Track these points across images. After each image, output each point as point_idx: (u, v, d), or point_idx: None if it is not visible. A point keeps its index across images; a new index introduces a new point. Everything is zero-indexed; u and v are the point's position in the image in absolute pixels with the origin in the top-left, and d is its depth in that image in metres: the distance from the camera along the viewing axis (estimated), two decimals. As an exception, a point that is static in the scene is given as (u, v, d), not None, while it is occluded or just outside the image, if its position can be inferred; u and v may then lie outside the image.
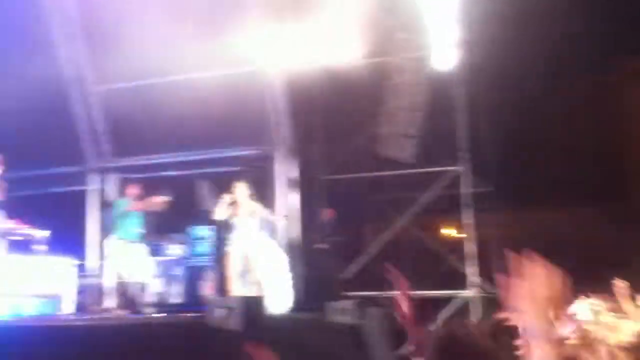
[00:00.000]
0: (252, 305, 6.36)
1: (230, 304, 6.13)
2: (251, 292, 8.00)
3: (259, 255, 8.45)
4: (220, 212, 8.51)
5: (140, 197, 8.84)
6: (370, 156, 12.04)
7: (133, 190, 8.96)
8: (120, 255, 8.53)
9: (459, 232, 12.65)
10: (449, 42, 11.01)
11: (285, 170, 10.67)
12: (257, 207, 8.71)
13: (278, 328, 6.32)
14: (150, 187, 9.02)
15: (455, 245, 12.22)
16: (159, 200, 8.73)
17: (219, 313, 6.03)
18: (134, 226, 8.68)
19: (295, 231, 10.67)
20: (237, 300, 6.34)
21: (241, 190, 8.61)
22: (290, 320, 7.60)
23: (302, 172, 10.97)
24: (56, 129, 10.77)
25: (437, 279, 11.10)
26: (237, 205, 8.53)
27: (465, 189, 11.57)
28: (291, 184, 10.79)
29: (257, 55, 10.30)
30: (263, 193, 10.76)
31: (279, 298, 8.18)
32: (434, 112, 11.61)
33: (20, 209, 8.70)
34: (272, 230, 9.19)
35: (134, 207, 8.74)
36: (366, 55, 10.61)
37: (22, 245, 8.43)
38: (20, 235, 8.44)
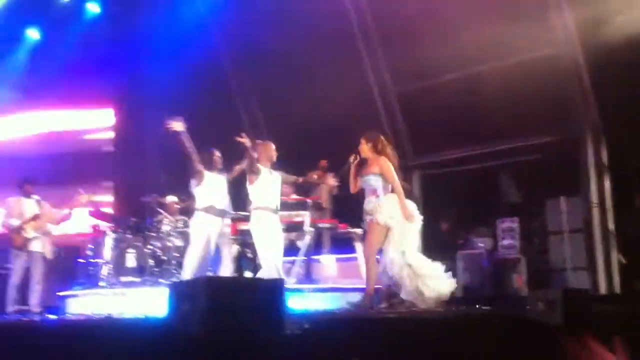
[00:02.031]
0: (576, 298, 6.05)
1: (551, 297, 5.92)
2: None
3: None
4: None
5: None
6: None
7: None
8: None
9: None
10: None
11: (595, 155, 10.03)
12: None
13: (605, 322, 5.94)
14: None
15: None
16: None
17: (538, 306, 5.86)
18: None
19: (609, 219, 9.98)
20: (558, 293, 6.09)
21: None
22: (619, 314, 7.06)
23: (614, 156, 10.20)
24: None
25: None
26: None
27: None
28: (602, 169, 10.10)
29: (557, 37, 9.83)
30: (571, 180, 10.25)
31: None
32: None
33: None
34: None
35: None
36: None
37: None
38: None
